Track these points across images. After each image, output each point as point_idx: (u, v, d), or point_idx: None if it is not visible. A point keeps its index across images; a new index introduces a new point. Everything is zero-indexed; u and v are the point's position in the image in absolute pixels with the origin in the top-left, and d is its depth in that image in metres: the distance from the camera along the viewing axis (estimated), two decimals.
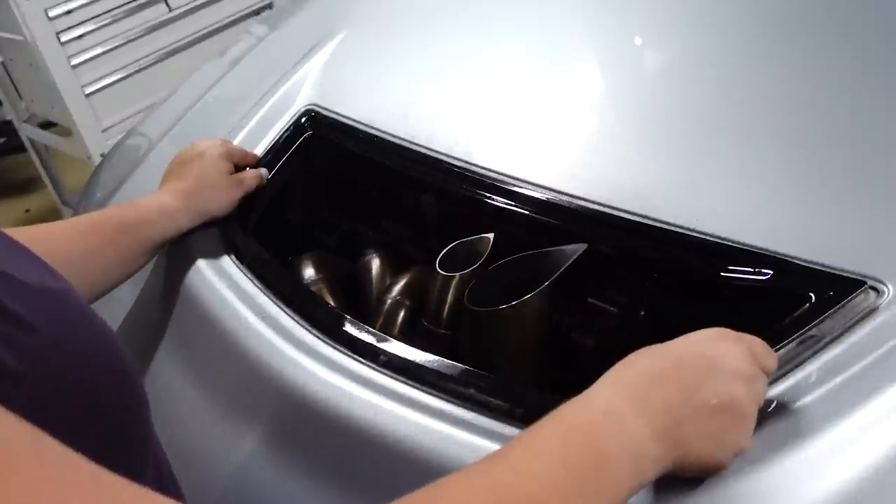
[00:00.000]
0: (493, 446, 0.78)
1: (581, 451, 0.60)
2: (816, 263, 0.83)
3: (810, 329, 0.77)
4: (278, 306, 1.00)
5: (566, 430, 0.62)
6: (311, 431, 0.89)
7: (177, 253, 1.12)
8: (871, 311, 0.77)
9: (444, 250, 1.01)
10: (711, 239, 0.89)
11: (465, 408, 0.83)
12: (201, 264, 1.09)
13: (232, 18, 3.11)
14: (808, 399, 0.73)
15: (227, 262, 1.09)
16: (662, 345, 0.69)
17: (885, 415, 0.70)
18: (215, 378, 0.99)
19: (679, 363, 0.67)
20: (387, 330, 1.06)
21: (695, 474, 0.66)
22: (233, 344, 0.97)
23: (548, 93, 1.20)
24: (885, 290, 0.79)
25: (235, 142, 1.28)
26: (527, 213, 1.02)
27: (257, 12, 3.10)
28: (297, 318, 0.98)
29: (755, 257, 0.85)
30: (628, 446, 0.61)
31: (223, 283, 1.04)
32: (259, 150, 1.27)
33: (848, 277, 0.80)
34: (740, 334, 0.71)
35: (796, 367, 0.75)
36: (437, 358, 0.87)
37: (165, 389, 1.03)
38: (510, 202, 1.04)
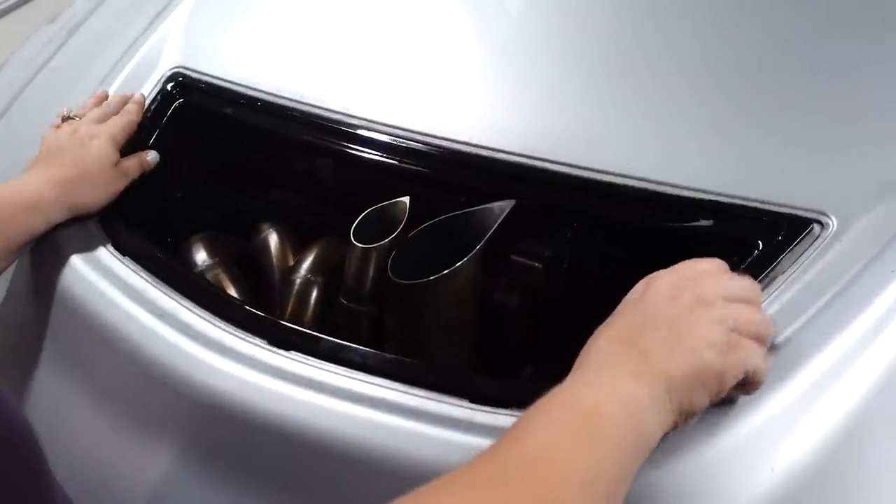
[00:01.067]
0: (438, 432, 0.72)
1: (567, 412, 0.58)
2: (756, 201, 0.80)
3: (763, 277, 0.74)
4: (175, 300, 0.88)
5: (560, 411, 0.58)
6: (235, 438, 0.79)
7: (45, 250, 0.96)
8: (820, 248, 0.75)
9: (358, 219, 0.91)
10: (646, 187, 0.84)
11: (404, 394, 0.75)
12: (76, 261, 0.94)
13: None
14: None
15: (107, 256, 0.95)
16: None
17: (852, 353, 0.68)
18: (113, 393, 0.87)
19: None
20: (300, 313, 0.96)
21: (705, 396, 0.61)
22: (128, 350, 0.84)
23: (450, 36, 1.11)
24: (830, 222, 0.77)
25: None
26: (444, 171, 0.94)
27: None
28: (199, 311, 0.86)
29: (694, 204, 0.81)
30: (614, 398, 0.58)
31: (106, 281, 0.90)
32: None
33: (792, 216, 0.78)
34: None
35: None
36: (367, 349, 0.79)
37: (54, 418, 0.89)
38: (424, 161, 0.95)
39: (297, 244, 1.07)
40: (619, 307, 0.67)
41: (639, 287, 0.68)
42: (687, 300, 0.63)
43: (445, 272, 0.83)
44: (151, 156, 1.05)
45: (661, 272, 0.68)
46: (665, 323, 0.62)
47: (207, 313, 0.85)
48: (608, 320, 0.66)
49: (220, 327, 0.84)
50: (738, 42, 0.97)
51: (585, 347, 0.65)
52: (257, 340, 0.82)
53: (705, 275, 0.66)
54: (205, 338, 0.83)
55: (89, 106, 1.09)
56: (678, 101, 0.91)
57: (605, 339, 0.64)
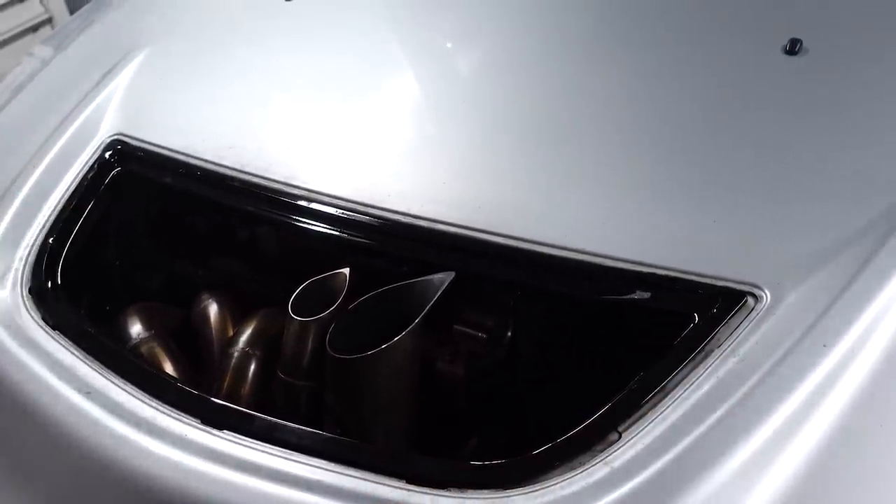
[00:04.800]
0: None
1: None
2: (692, 273, 0.81)
3: (699, 351, 0.74)
4: (105, 377, 0.85)
5: None
6: None
7: None
8: (755, 321, 0.76)
9: (296, 291, 0.90)
10: (584, 259, 0.84)
11: (340, 475, 0.73)
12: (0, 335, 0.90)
13: (3, 37, 2.76)
14: (711, 419, 0.69)
15: (34, 328, 0.91)
16: None
17: (794, 421, 0.68)
18: (36, 476, 0.83)
19: None
20: (238, 388, 0.94)
21: None
22: (53, 430, 0.81)
23: (392, 110, 1.11)
24: (763, 295, 0.78)
25: (28, 183, 1.09)
26: (384, 242, 0.93)
27: (35, 28, 2.77)
28: (129, 389, 0.83)
29: (632, 276, 0.82)
30: None
31: (32, 356, 0.87)
32: (58, 194, 1.09)
33: (726, 289, 0.78)
34: None
35: (693, 388, 0.72)
36: (302, 428, 0.77)
37: None
38: (365, 232, 0.94)
39: (237, 314, 1.05)
40: None
41: None
42: None
43: (384, 346, 0.81)
44: None
45: None
46: None
47: (138, 391, 0.83)
48: None
49: (151, 405, 0.81)
50: (672, 115, 0.99)
51: None
52: (190, 419, 0.79)
53: None
54: (135, 417, 0.80)
55: None
56: (615, 174, 0.93)
57: None
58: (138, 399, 0.82)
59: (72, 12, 2.66)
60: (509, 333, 0.93)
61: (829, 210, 0.84)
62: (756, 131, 0.94)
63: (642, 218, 0.87)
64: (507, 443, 0.91)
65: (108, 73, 1.29)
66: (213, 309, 1.06)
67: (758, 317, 0.76)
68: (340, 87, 1.14)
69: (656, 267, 0.82)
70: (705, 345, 0.75)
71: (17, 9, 2.78)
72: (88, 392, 0.83)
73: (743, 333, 0.75)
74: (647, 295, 0.81)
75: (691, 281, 0.80)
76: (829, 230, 0.82)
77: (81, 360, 0.87)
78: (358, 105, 1.11)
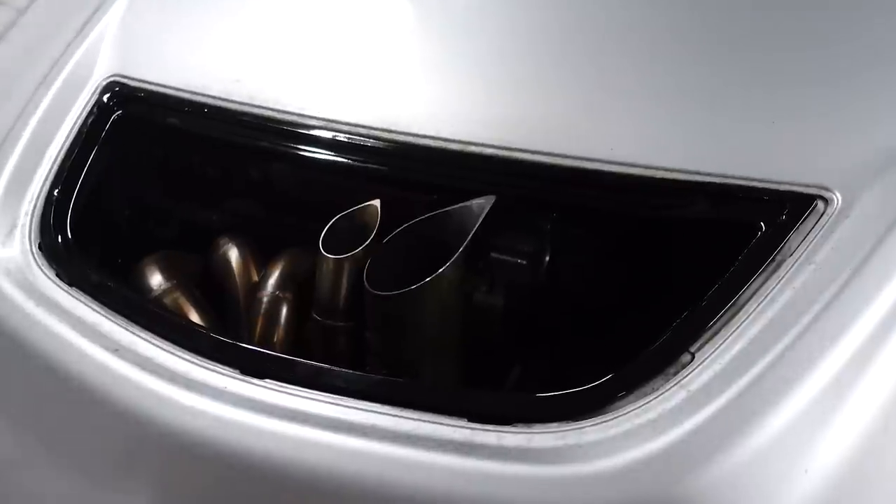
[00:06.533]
0: (436, 458, 0.65)
1: None
2: (754, 180, 0.75)
3: (770, 261, 0.69)
4: (131, 332, 0.80)
5: None
6: (211, 481, 0.72)
7: None
8: (827, 226, 0.70)
9: (326, 228, 0.84)
10: (634, 172, 0.78)
11: (396, 418, 0.69)
12: (14, 295, 0.85)
13: None
14: (791, 334, 0.65)
15: (51, 287, 0.86)
16: None
17: (878, 336, 0.63)
18: (69, 441, 0.78)
19: None
20: (270, 334, 0.89)
21: None
22: (83, 391, 0.76)
23: (413, 23, 1.03)
24: (834, 198, 0.72)
25: (25, 134, 1.03)
26: (413, 169, 0.88)
27: None
28: (159, 342, 0.78)
29: (688, 187, 0.76)
30: None
31: (53, 316, 0.82)
32: (58, 143, 1.02)
33: (794, 193, 0.73)
34: None
35: (768, 301, 0.67)
36: (350, 371, 0.72)
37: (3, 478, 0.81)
38: (391, 159, 0.88)
39: (259, 258, 1.00)
40: None
41: None
42: None
43: (429, 279, 0.76)
44: None
45: None
46: None
47: (169, 344, 0.78)
48: None
49: (184, 358, 0.76)
50: (722, 11, 0.92)
51: None
52: (228, 370, 0.74)
53: None
54: (168, 371, 0.75)
55: None
56: (661, 79, 0.86)
57: None
58: (170, 353, 0.77)
59: None
60: (552, 259, 0.88)
61: None
62: (810, 20, 0.87)
63: (694, 124, 0.81)
64: (556, 373, 0.87)
65: (96, 12, 1.20)
66: (233, 254, 1.01)
67: (830, 221, 0.71)
68: (352, 8, 1.06)
69: (714, 175, 0.76)
70: (776, 254, 0.70)
71: None
72: (116, 349, 0.78)
73: (816, 239, 0.70)
74: (706, 206, 0.75)
75: (754, 188, 0.75)
76: None
77: (104, 315, 0.81)
78: (372, 24, 1.03)
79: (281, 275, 0.92)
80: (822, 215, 0.71)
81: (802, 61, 0.84)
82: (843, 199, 0.72)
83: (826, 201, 0.72)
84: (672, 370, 0.66)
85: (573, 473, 0.62)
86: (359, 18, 1.04)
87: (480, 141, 0.84)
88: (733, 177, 0.76)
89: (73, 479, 0.79)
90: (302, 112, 0.94)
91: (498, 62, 0.92)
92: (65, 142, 1.02)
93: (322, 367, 0.73)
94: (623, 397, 0.66)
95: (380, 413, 0.68)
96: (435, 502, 0.64)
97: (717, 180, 0.76)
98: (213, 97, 0.99)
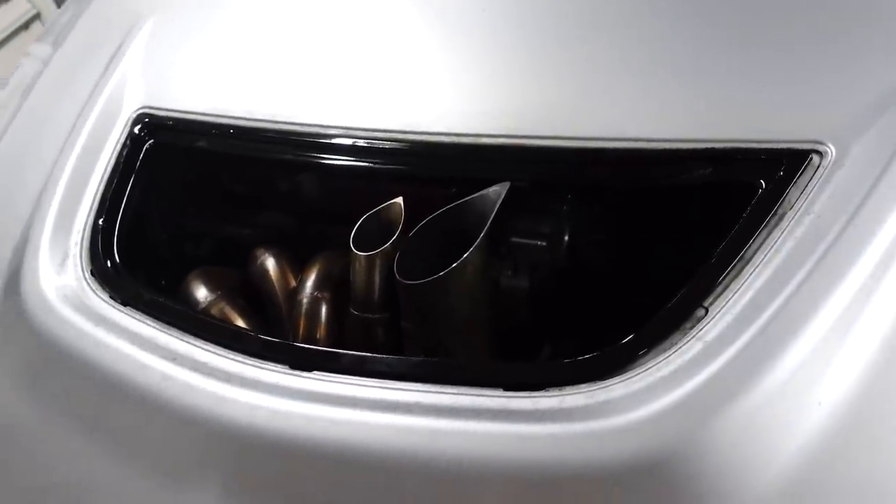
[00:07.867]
0: (476, 426, 0.71)
1: None
2: (750, 141, 0.79)
3: (772, 215, 0.74)
4: (186, 342, 0.86)
5: None
6: (277, 470, 0.78)
7: (36, 306, 0.93)
8: (823, 177, 0.75)
9: (355, 228, 0.90)
10: (638, 146, 0.83)
11: (438, 394, 0.74)
12: (74, 319, 0.92)
13: None
14: (795, 281, 0.69)
15: (106, 308, 0.93)
16: None
17: (879, 273, 0.68)
18: (140, 449, 0.85)
19: None
20: (312, 332, 0.95)
21: None
22: (148, 401, 0.82)
23: (410, 29, 1.08)
24: (828, 150, 0.76)
25: (66, 171, 1.09)
26: (430, 165, 0.93)
27: (26, 26, 2.74)
28: (213, 349, 0.84)
29: (690, 154, 0.81)
30: None
31: (112, 334, 0.88)
32: (97, 175, 1.09)
33: (790, 150, 0.77)
34: None
35: (773, 252, 0.71)
36: (390, 356, 0.78)
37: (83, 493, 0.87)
38: (408, 159, 0.94)
39: (295, 264, 1.06)
40: None
41: None
42: None
43: (455, 265, 0.81)
44: None
45: None
46: None
47: (222, 349, 0.84)
48: None
49: (237, 360, 0.82)
50: None
51: None
52: (278, 367, 0.80)
53: None
54: (224, 373, 0.81)
55: None
56: (653, 55, 0.90)
57: None
58: (223, 357, 0.83)
59: (59, 5, 2.63)
60: (570, 237, 0.92)
61: (883, 56, 0.81)
62: None
63: (690, 94, 0.85)
64: (583, 341, 0.91)
65: (117, 53, 1.27)
66: (270, 263, 1.07)
67: (825, 172, 0.75)
68: (356, 21, 1.12)
69: (714, 141, 0.80)
70: (777, 208, 0.74)
71: (2, 9, 2.75)
72: (174, 358, 0.84)
73: (814, 191, 0.74)
74: (709, 171, 0.80)
75: (751, 149, 0.79)
76: (884, 76, 0.80)
77: (159, 329, 0.88)
78: (377, 36, 1.09)
79: (317, 277, 0.98)
80: (817, 168, 0.76)
81: (786, 22, 0.88)
82: (836, 151, 0.76)
83: (821, 154, 0.76)
84: (688, 325, 0.71)
85: (604, 427, 0.67)
86: (360, 34, 1.10)
87: (491, 132, 0.90)
88: (732, 140, 0.80)
89: (148, 485, 0.85)
90: (320, 123, 1.00)
91: (499, 55, 0.97)
92: (104, 174, 1.09)
93: (364, 355, 0.79)
94: (645, 354, 0.71)
95: (420, 392, 0.74)
96: (478, 466, 0.70)
97: (717, 145, 0.80)
98: (237, 118, 1.05)
